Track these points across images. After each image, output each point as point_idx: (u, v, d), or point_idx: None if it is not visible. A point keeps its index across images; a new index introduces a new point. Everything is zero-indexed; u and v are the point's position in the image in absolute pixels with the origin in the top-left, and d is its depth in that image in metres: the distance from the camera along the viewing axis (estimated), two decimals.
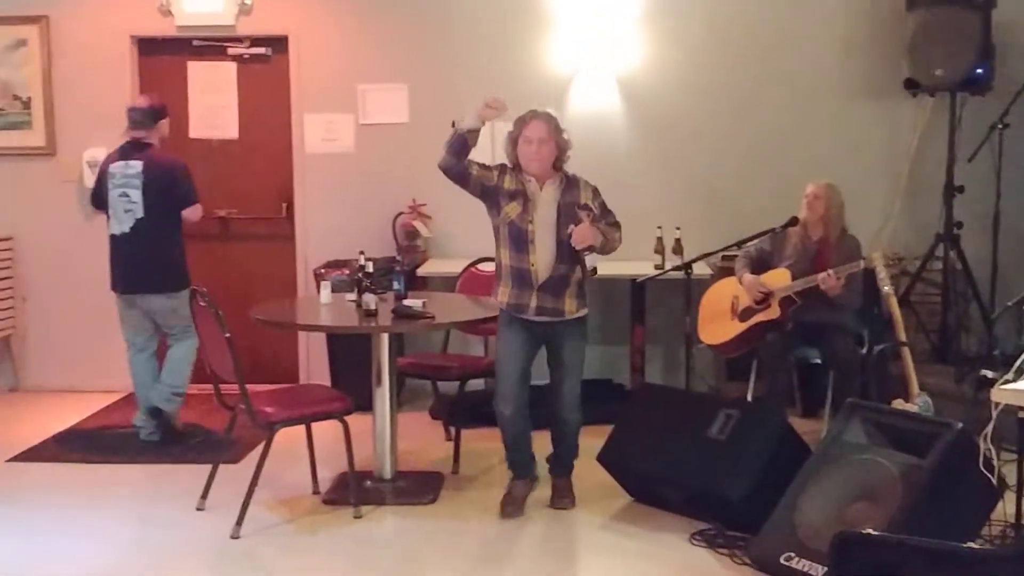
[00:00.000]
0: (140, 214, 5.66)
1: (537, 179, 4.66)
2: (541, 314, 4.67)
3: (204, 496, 4.80)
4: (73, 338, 6.91)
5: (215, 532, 4.52)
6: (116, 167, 5.71)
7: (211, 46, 6.90)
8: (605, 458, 4.95)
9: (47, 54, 6.80)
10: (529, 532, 4.60)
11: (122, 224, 5.69)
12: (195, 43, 6.90)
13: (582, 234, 4.56)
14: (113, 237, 5.75)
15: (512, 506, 4.75)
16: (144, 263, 5.67)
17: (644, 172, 6.76)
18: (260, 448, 4.63)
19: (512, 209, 4.64)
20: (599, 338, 6.81)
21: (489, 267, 5.75)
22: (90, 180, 6.76)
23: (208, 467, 4.86)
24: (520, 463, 4.87)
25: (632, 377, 6.40)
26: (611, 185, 6.68)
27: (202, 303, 4.67)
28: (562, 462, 4.91)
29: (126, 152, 5.74)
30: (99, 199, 5.85)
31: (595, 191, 4.75)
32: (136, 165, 5.66)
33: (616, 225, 4.76)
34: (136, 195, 5.64)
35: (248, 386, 4.54)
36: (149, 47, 6.92)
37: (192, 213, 5.77)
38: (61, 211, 6.88)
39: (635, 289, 6.28)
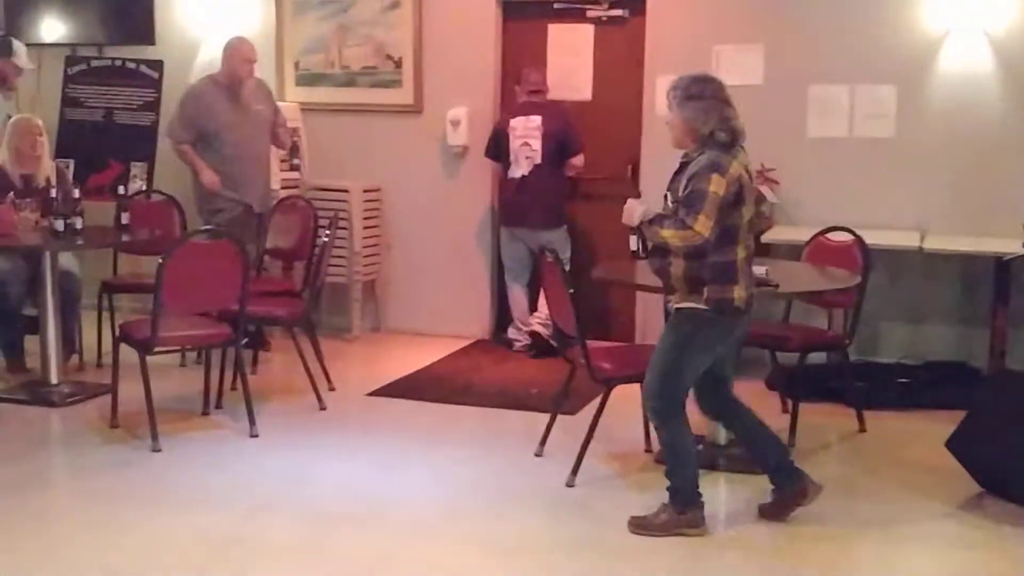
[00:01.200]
0: (538, 160, 6.61)
1: None
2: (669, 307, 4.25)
3: (542, 443, 4.98)
4: (430, 285, 7.33)
5: (550, 479, 4.68)
6: (517, 121, 6.72)
7: (571, 9, 7.05)
8: (954, 445, 4.67)
9: (419, 17, 7.19)
10: (864, 512, 4.43)
11: (521, 168, 6.68)
12: (556, 6, 7.07)
13: (624, 211, 4.12)
14: (511, 180, 6.75)
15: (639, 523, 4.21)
16: (537, 203, 6.67)
17: (1019, 140, 6.25)
18: (596, 402, 4.73)
19: None
20: (952, 318, 6.41)
21: (841, 236, 5.54)
22: (452, 138, 7.16)
23: (546, 415, 5.04)
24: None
25: (990, 362, 5.97)
26: (980, 153, 6.31)
27: (549, 259, 4.82)
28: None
29: (526, 109, 6.73)
30: (494, 151, 6.78)
31: (696, 175, 3.95)
32: (536, 119, 6.68)
33: (679, 222, 3.94)
34: (536, 144, 6.64)
35: (587, 342, 4.65)
36: (514, 10, 7.17)
37: (578, 161, 6.75)
38: (426, 166, 7.29)
39: (999, 267, 5.83)
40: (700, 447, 4.86)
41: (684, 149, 4.13)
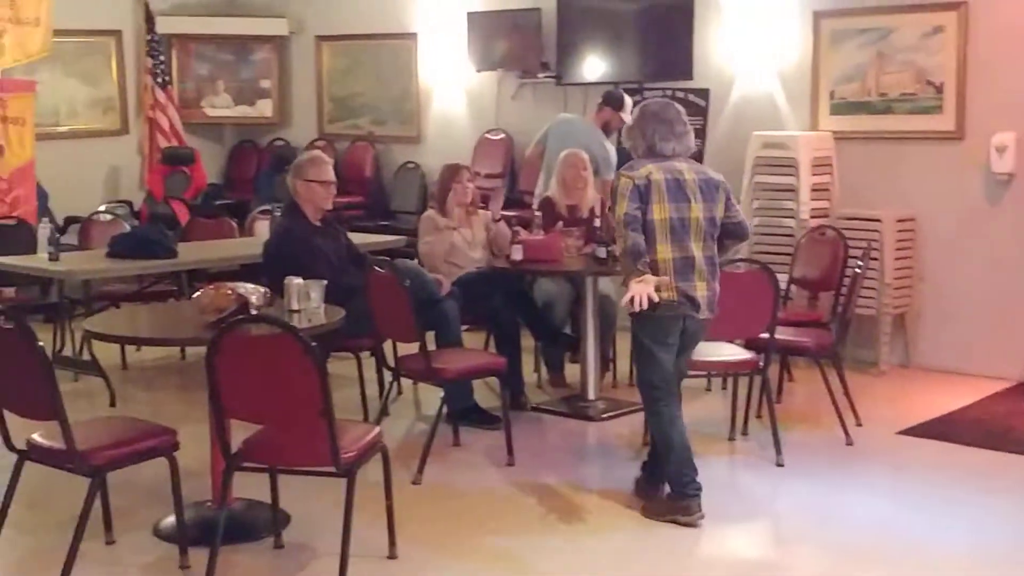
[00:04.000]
0: None
1: None
2: None
3: None
4: (967, 321, 6.89)
5: None
6: None
7: None
8: None
9: (964, 39, 6.81)
10: None
11: None
12: None
13: None
14: None
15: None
16: None
17: None
18: None
19: None
20: None
21: None
22: (997, 165, 6.71)
23: None
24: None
25: None
26: None
27: None
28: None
29: None
30: None
31: None
32: None
33: None
34: None
35: None
36: None
37: None
38: (965, 195, 6.87)
39: None
40: None
41: None
